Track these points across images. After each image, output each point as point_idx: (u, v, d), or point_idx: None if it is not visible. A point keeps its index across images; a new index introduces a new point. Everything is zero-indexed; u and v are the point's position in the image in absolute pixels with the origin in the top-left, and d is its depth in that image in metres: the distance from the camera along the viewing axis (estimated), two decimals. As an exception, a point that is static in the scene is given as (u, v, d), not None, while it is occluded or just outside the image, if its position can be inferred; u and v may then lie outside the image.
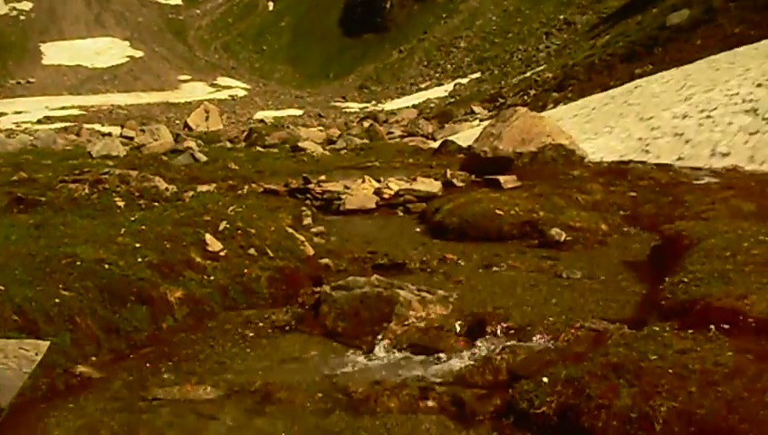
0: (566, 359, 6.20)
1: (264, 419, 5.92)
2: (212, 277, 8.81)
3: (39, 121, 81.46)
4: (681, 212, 11.88)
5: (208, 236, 9.52)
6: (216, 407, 6.11)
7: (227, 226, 10.07)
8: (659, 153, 19.67)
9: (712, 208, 11.76)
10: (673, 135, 20.65)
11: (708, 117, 20.44)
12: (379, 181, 15.48)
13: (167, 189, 13.20)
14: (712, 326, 6.18)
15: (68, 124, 76.47)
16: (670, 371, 5.50)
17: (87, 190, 12.50)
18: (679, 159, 18.66)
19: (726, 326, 6.17)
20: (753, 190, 13.05)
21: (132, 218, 10.22)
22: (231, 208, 10.93)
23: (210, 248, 9.37)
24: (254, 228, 10.29)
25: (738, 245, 8.25)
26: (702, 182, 14.72)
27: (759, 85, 20.83)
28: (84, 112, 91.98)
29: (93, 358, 6.93)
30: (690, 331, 6.19)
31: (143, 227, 9.50)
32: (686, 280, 7.33)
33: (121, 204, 11.95)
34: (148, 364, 6.94)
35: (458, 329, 7.49)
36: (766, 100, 19.30)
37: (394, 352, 7.17)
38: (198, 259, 9.05)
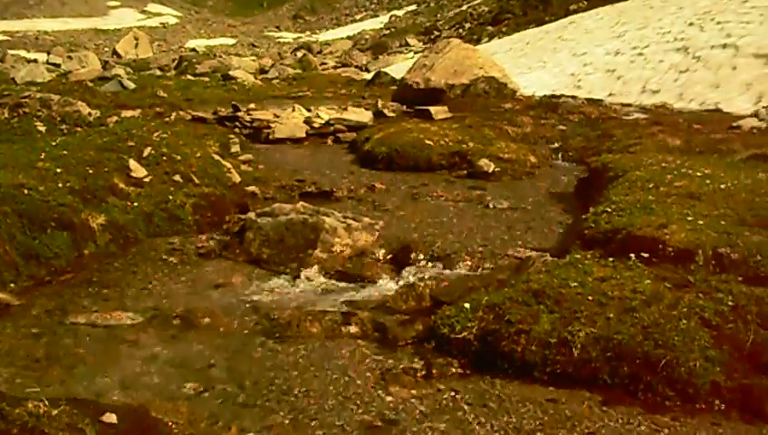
0: (488, 286, 6.25)
1: (185, 344, 5.86)
2: (136, 204, 8.64)
3: (-40, 47, 78.50)
4: (609, 146, 11.99)
5: (132, 162, 9.31)
6: (137, 333, 6.03)
7: (152, 152, 9.85)
8: (591, 88, 19.80)
9: (639, 143, 11.90)
10: (605, 71, 20.79)
11: (640, 54, 20.60)
12: (309, 110, 15.30)
13: (90, 114, 12.82)
14: (632, 255, 6.26)
15: (-9, 50, 73.86)
16: (590, 297, 5.57)
17: (6, 115, 12.08)
18: (610, 94, 18.81)
19: (646, 255, 6.26)
20: (680, 126, 13.24)
21: (53, 143, 9.93)
22: (156, 134, 10.68)
23: (134, 174, 9.17)
24: (180, 155, 10.09)
25: (662, 177, 8.36)
26: (631, 118, 14.88)
27: (691, 24, 21.03)
28: (8, 38, 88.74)
29: (12, 285, 6.75)
30: (611, 259, 6.28)
31: (65, 153, 9.24)
32: (609, 210, 7.40)
33: (42, 129, 11.58)
34: (68, 291, 6.80)
35: (383, 256, 7.52)
36: (697, 38, 19.48)
37: (318, 279, 7.17)
38: (122, 185, 8.86)
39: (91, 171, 8.73)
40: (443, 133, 12.31)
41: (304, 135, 14.25)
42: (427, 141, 11.89)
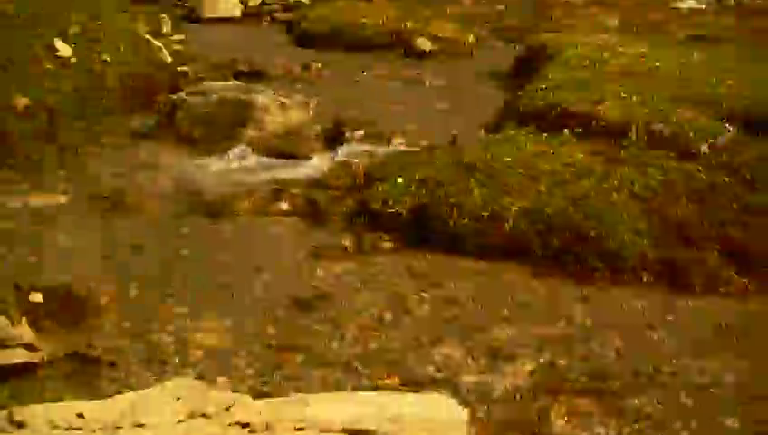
0: (421, 162, 6.20)
1: (114, 224, 5.77)
2: (63, 85, 8.35)
3: None
4: (547, 26, 11.87)
5: (58, 42, 8.96)
6: (65, 214, 5.92)
7: (78, 31, 9.49)
8: (531, -32, 19.53)
9: (578, 23, 11.81)
10: (546, -50, 20.49)
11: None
12: (244, -11, 14.85)
13: (11, -9, 12.28)
14: (566, 130, 6.26)
15: None
16: (522, 171, 5.58)
17: None
18: (550, -26, 18.57)
19: (580, 130, 6.25)
20: (619, 5, 13.16)
21: (-28, 22, 9.50)
22: (83, 12, 10.26)
23: (60, 54, 8.84)
24: (109, 34, 9.73)
25: (598, 55, 8.32)
26: (571, -3, 14.73)
27: None
28: None
29: (-67, 169, 6.56)
30: (544, 135, 6.26)
31: (-17, 32, 8.86)
32: (544, 87, 7.36)
33: (-42, 6, 11.07)
34: (-8, 174, 6.62)
35: (317, 134, 7.40)
36: None
37: (250, 157, 7.04)
38: (48, 66, 8.54)
39: (13, 51, 8.40)
40: (380, 12, 12.03)
41: (239, 14, 13.82)
42: (365, 20, 11.65)
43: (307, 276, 4.97)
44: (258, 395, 3.28)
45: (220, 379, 3.84)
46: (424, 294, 4.72)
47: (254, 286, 4.84)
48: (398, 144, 7.09)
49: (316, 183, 6.35)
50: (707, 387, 3.87)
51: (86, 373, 3.94)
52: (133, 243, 5.45)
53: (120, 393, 3.10)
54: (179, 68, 9.86)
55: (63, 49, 8.85)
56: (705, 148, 6.00)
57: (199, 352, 4.13)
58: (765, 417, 3.63)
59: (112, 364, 4.01)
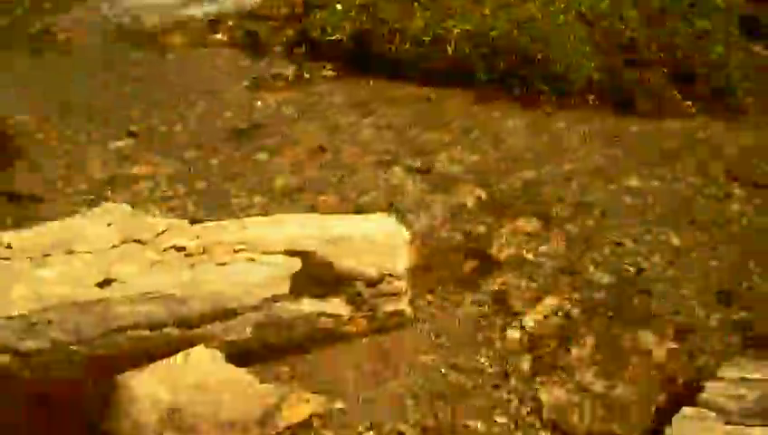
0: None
1: (45, 61, 5.61)
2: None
3: None
4: None
5: None
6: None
7: None
8: None
9: None
10: None
11: None
12: None
13: None
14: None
15: None
16: (464, -5, 5.39)
17: None
18: None
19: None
20: None
21: None
22: None
23: None
24: None
25: None
26: None
27: None
28: None
29: None
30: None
31: None
32: None
33: None
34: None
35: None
36: None
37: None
38: None
39: None
40: None
41: None
42: None
43: (246, 108, 4.84)
44: (196, 223, 3.19)
45: (156, 210, 3.75)
46: (365, 121, 4.62)
47: (191, 119, 4.71)
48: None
49: (253, 14, 6.10)
50: (651, 206, 3.85)
51: (16, 214, 3.83)
52: (65, 80, 5.28)
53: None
54: None
55: None
56: (654, -32, 5.83)
57: (135, 186, 4.04)
58: (704, 229, 3.64)
59: (43, 201, 3.89)
